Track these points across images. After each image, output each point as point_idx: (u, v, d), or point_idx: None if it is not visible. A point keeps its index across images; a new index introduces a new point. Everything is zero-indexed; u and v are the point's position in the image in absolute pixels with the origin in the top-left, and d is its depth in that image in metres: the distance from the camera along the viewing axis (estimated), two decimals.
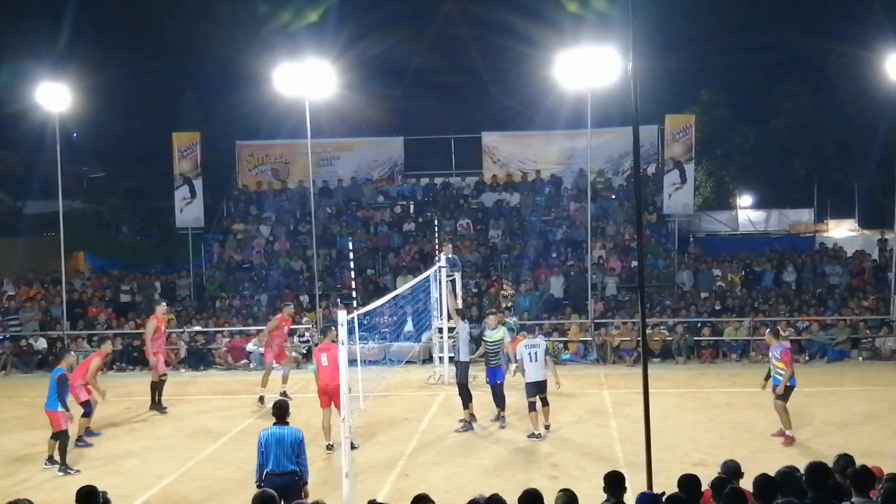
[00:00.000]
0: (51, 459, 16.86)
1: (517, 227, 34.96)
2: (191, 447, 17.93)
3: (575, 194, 35.65)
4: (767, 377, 17.85)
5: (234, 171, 39.06)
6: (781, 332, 19.00)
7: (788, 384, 17.33)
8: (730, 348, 27.08)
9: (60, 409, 16.78)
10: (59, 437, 16.74)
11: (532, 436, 18.02)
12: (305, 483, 12.11)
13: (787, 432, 17.19)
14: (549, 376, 18.59)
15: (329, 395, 17.04)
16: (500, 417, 19.22)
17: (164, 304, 24.05)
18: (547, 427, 18.45)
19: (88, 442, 18.76)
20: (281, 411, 12.29)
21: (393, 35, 42.07)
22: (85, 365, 19.44)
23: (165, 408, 21.72)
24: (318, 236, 30.89)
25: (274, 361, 22.30)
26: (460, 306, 23.71)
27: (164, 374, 22.23)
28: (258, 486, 11.71)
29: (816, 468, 8.82)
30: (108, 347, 21.20)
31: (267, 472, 11.80)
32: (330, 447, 17.26)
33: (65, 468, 16.58)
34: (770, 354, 17.90)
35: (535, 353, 18.41)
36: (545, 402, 18.49)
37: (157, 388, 21.92)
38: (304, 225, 34.44)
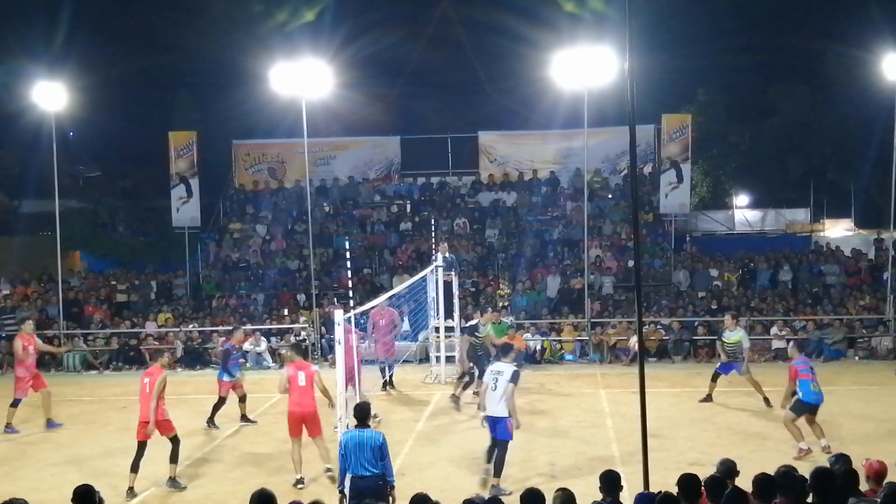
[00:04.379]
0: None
1: (514, 226, 34.98)
2: (187, 447, 17.86)
3: (571, 194, 35.64)
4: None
5: (231, 171, 39.02)
6: (802, 346, 17.90)
7: (801, 398, 16.45)
8: None
9: (226, 378, 19.39)
10: (218, 402, 19.50)
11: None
12: (393, 487, 11.77)
13: (801, 445, 16.31)
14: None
15: (304, 422, 15.18)
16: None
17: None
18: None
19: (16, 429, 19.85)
20: (362, 414, 12.01)
21: (389, 34, 42.11)
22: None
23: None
24: (314, 235, 30.79)
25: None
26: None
27: None
28: (340, 493, 11.78)
29: (821, 474, 8.77)
30: (28, 328, 21.20)
31: (351, 477, 11.61)
32: (301, 482, 15.12)
33: (212, 423, 19.41)
34: None
35: (496, 380, 14.81)
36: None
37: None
38: (301, 224, 34.41)
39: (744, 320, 27.19)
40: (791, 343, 18.35)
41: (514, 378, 14.79)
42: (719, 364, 21.04)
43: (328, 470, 14.99)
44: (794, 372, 16.67)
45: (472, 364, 20.54)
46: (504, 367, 14.89)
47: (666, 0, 39.04)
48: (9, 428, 19.73)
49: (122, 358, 28.33)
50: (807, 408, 16.49)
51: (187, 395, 23.08)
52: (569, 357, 27.65)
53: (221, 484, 15.57)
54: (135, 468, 15.05)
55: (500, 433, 14.70)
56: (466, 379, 20.70)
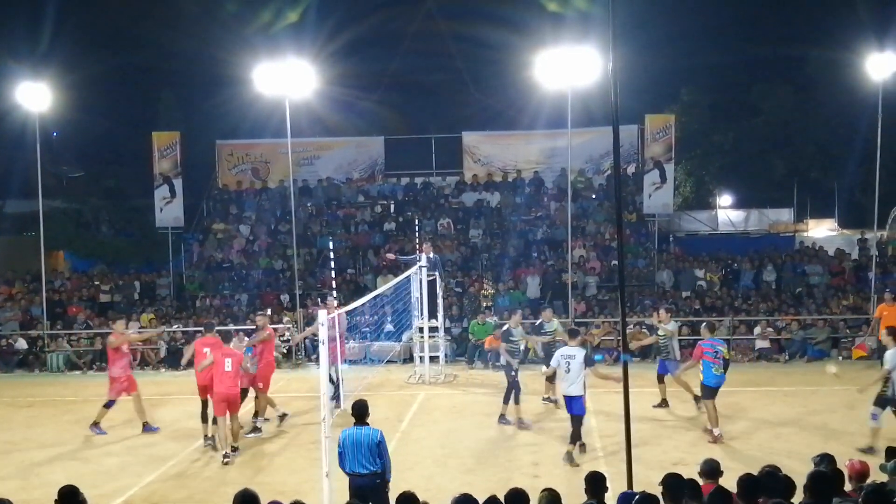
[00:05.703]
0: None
1: (497, 226, 34.99)
2: (171, 446, 17.87)
3: (555, 194, 35.68)
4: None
5: (214, 171, 38.97)
6: (713, 327, 19.35)
7: (703, 381, 17.61)
8: None
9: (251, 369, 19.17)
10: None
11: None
12: (387, 484, 11.72)
13: (714, 430, 17.40)
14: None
15: (229, 403, 17.06)
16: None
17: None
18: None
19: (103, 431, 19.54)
20: (360, 411, 11.89)
21: (373, 35, 42.11)
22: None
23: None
24: (298, 236, 30.80)
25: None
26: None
27: None
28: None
29: (818, 477, 8.73)
30: (120, 326, 21.01)
31: (348, 473, 11.58)
32: (227, 456, 16.71)
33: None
34: None
35: (569, 363, 16.35)
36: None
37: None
38: (284, 224, 34.35)
39: (727, 320, 27.36)
40: (704, 323, 19.08)
41: (589, 362, 16.55)
42: (658, 365, 21.05)
43: (234, 449, 17.13)
44: (698, 352, 17.68)
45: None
46: (575, 352, 16.39)
47: (650, 0, 39.08)
48: (95, 427, 19.44)
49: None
50: (711, 391, 17.43)
51: (171, 396, 23.07)
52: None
53: (204, 483, 15.56)
54: (204, 418, 18.07)
55: (576, 410, 16.41)
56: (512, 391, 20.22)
